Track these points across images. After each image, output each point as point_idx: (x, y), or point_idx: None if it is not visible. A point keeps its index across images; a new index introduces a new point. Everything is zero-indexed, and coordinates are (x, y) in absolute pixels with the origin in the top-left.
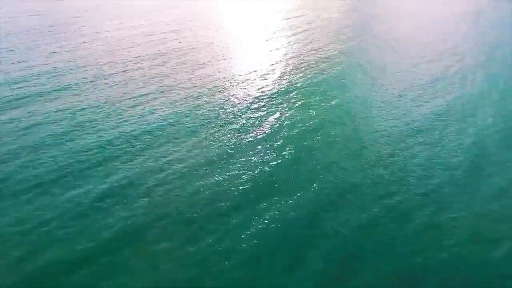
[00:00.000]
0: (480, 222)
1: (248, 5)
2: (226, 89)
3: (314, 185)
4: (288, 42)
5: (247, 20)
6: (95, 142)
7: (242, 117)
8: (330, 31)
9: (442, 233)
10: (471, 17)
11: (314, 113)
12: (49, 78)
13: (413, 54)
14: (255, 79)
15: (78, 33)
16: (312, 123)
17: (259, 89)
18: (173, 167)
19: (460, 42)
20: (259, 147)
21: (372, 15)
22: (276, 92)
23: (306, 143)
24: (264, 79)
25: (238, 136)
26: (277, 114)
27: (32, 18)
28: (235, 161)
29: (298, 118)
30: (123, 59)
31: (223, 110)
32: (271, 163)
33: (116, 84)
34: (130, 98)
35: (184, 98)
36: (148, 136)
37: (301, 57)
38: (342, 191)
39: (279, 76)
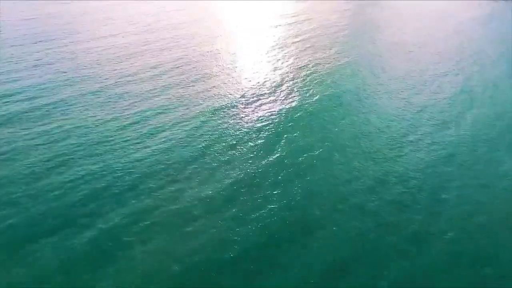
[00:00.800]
0: None
1: (251, 8)
2: (229, 106)
3: (333, 230)
4: (295, 50)
5: (251, 25)
6: (80, 174)
7: (246, 141)
8: (338, 36)
9: None
10: (486, 19)
11: (325, 137)
12: (34, 93)
13: (430, 63)
14: (260, 95)
15: (69, 40)
16: (324, 150)
17: (264, 107)
18: (167, 206)
19: (477, 48)
20: (266, 179)
21: (380, 19)
22: (284, 110)
23: (318, 176)
24: (270, 95)
25: (241, 166)
26: (285, 138)
27: (24, 23)
28: (238, 198)
29: (308, 142)
30: (116, 70)
31: (225, 132)
32: (280, 201)
33: (108, 101)
34: (122, 118)
35: (182, 117)
36: (141, 164)
37: (310, 67)
38: (366, 240)
39: (287, 91)
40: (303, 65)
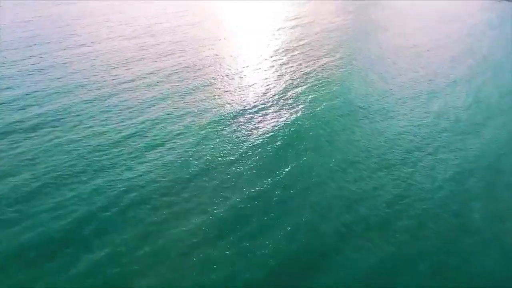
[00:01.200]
0: None
1: (252, 10)
2: (229, 117)
3: (347, 258)
4: (298, 55)
5: (252, 28)
6: (70, 195)
7: (248, 156)
8: (343, 40)
9: None
10: (495, 21)
11: (333, 150)
12: (24, 101)
13: (440, 67)
14: (262, 104)
15: (66, 44)
16: (332, 166)
17: (267, 117)
18: (163, 232)
19: (487, 52)
20: (270, 199)
21: (385, 20)
22: (288, 122)
23: (327, 195)
24: (273, 104)
25: (243, 184)
26: (290, 152)
27: (21, 25)
28: (240, 221)
29: (315, 157)
30: (112, 77)
31: (225, 146)
32: (286, 225)
33: (102, 111)
34: (116, 130)
35: (180, 130)
36: (135, 183)
37: (315, 73)
38: (384, 269)
39: (291, 101)
40: (307, 71)
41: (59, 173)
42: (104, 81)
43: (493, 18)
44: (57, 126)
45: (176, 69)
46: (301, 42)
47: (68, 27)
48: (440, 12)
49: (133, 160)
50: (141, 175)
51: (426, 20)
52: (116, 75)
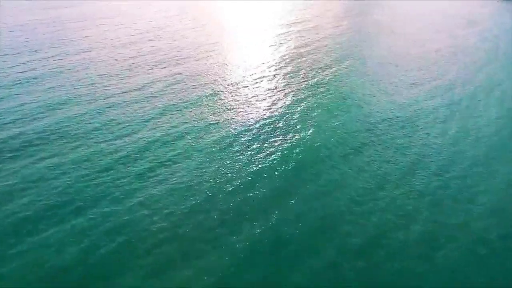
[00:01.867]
0: None
1: (255, 10)
2: (231, 137)
3: None
4: (304, 64)
5: (255, 33)
6: (50, 239)
7: (250, 187)
8: (350, 45)
9: None
10: (508, 23)
11: (341, 180)
12: (9, 116)
13: (456, 75)
14: (266, 120)
15: (60, 50)
16: (342, 199)
17: (271, 137)
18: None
19: (506, 58)
20: (276, 242)
21: (391, 22)
22: (294, 143)
23: (340, 240)
24: (277, 121)
25: (246, 224)
26: (298, 182)
27: (15, 29)
28: (248, 272)
29: (323, 188)
30: (105, 88)
31: (227, 174)
32: (298, 278)
33: (93, 129)
34: (107, 151)
35: (179, 153)
36: (126, 220)
37: (322, 84)
38: None
39: (298, 116)
40: (314, 81)
41: (41, 204)
42: (96, 92)
43: (504, 20)
44: (41, 146)
45: (174, 80)
46: (307, 48)
47: (63, 32)
48: (448, 13)
49: (125, 188)
50: (133, 207)
51: (433, 21)
52: (109, 86)
